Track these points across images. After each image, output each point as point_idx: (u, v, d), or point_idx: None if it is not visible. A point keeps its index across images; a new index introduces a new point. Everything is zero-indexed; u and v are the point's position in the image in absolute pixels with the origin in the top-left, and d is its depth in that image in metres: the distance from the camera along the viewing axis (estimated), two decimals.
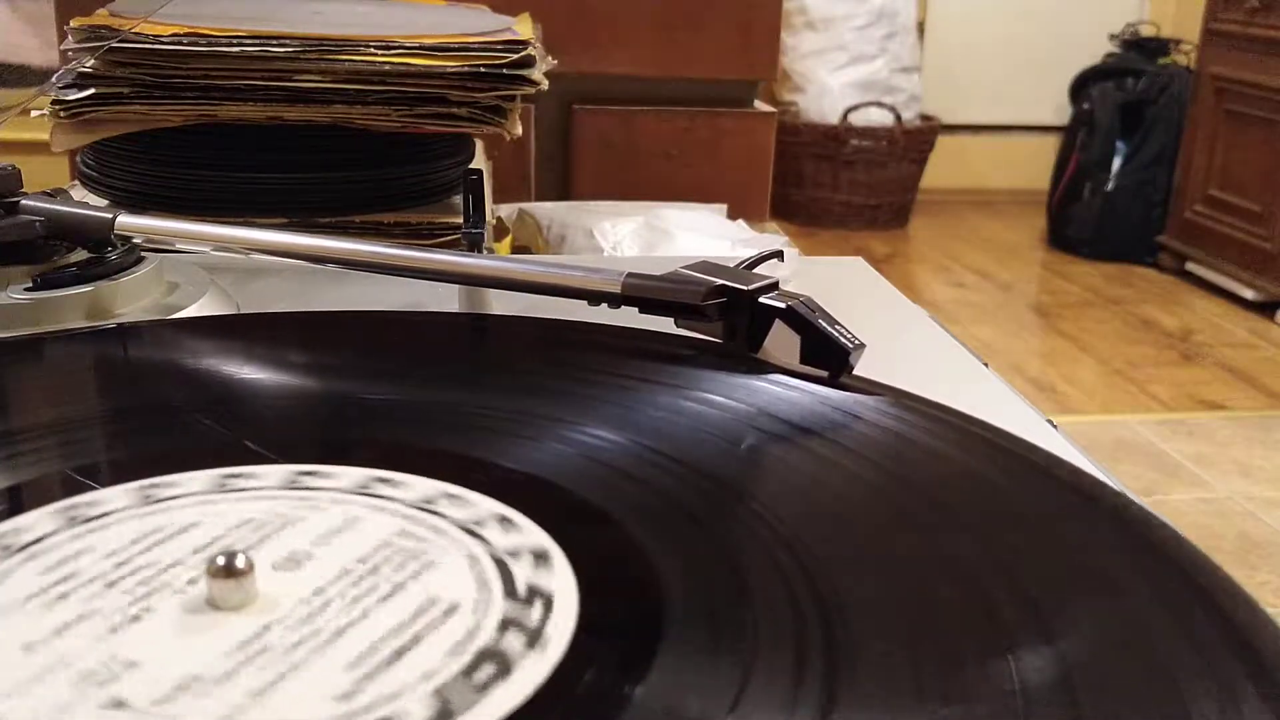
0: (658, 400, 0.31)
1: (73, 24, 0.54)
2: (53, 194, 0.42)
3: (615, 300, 0.36)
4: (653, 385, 0.32)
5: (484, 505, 0.25)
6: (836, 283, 0.55)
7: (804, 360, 0.33)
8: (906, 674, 0.20)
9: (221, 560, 0.21)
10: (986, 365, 0.44)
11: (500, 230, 0.91)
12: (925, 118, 3.17)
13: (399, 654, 0.20)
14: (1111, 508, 0.26)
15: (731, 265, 0.36)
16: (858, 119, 3.02)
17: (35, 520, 0.24)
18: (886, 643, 0.21)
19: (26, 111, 0.52)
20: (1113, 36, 3.11)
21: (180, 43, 0.53)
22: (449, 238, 0.57)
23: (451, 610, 0.21)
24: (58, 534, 0.24)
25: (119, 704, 0.19)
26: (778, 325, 0.33)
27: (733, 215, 0.97)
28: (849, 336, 0.33)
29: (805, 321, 0.33)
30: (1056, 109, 3.29)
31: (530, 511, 0.25)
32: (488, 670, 0.20)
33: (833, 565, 0.23)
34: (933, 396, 0.32)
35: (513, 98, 0.57)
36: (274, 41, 0.54)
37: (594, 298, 0.36)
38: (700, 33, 1.13)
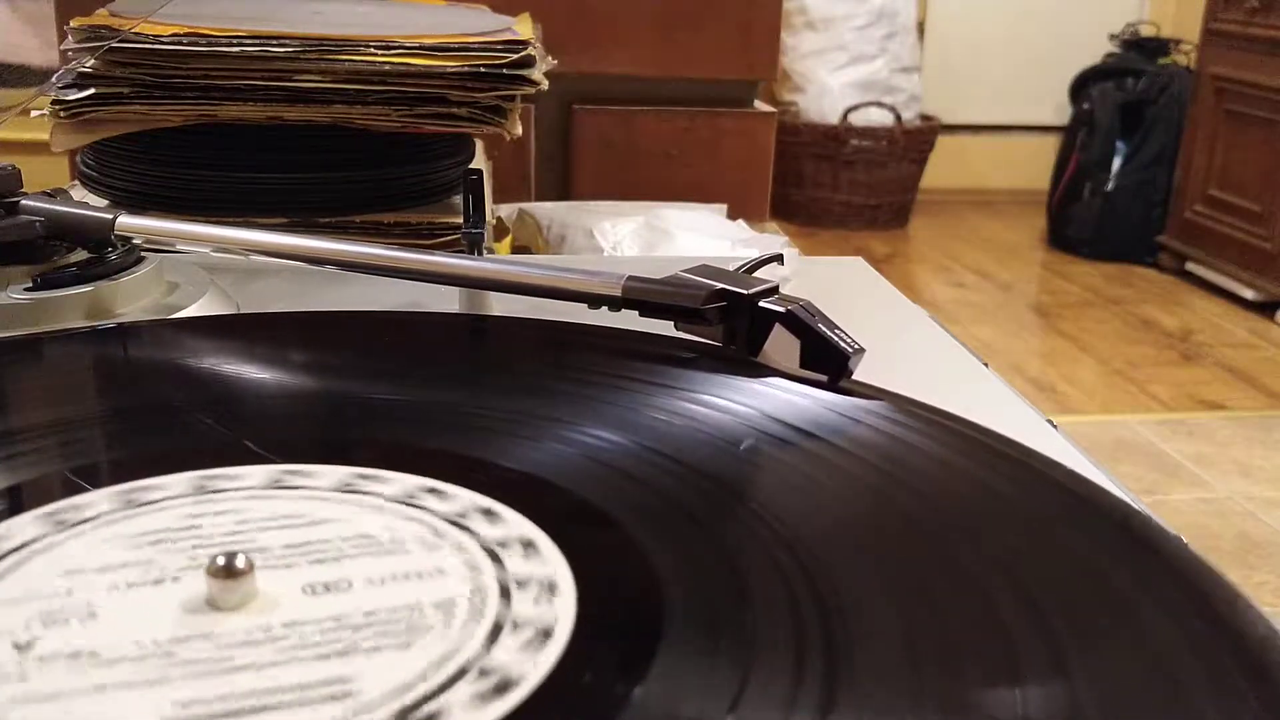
0: (658, 402, 0.31)
1: (73, 24, 0.54)
2: (53, 194, 0.42)
3: (615, 303, 0.36)
4: (653, 387, 0.32)
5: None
6: (836, 283, 0.55)
7: (803, 364, 0.33)
8: (905, 675, 0.20)
9: (221, 560, 0.21)
10: (986, 365, 0.44)
11: (500, 230, 0.91)
12: (925, 118, 3.17)
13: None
14: (1110, 511, 0.26)
15: (731, 269, 0.36)
16: (858, 119, 3.02)
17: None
18: (885, 644, 0.21)
19: (26, 111, 0.52)
20: (1113, 36, 3.11)
21: (180, 43, 0.53)
22: (449, 238, 0.57)
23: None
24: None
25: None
26: (778, 329, 0.33)
27: (733, 215, 0.97)
28: (849, 341, 0.33)
29: (805, 326, 0.33)
30: (1056, 109, 3.29)
31: (530, 511, 0.25)
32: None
33: (832, 566, 0.23)
34: (933, 397, 0.32)
35: (513, 98, 0.57)
36: (274, 41, 0.54)
37: (594, 301, 0.36)
38: (700, 33, 1.13)
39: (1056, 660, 0.21)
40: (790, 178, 3.02)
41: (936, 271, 2.79)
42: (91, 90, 0.54)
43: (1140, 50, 3.01)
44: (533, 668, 0.20)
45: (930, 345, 0.47)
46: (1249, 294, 2.52)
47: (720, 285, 0.34)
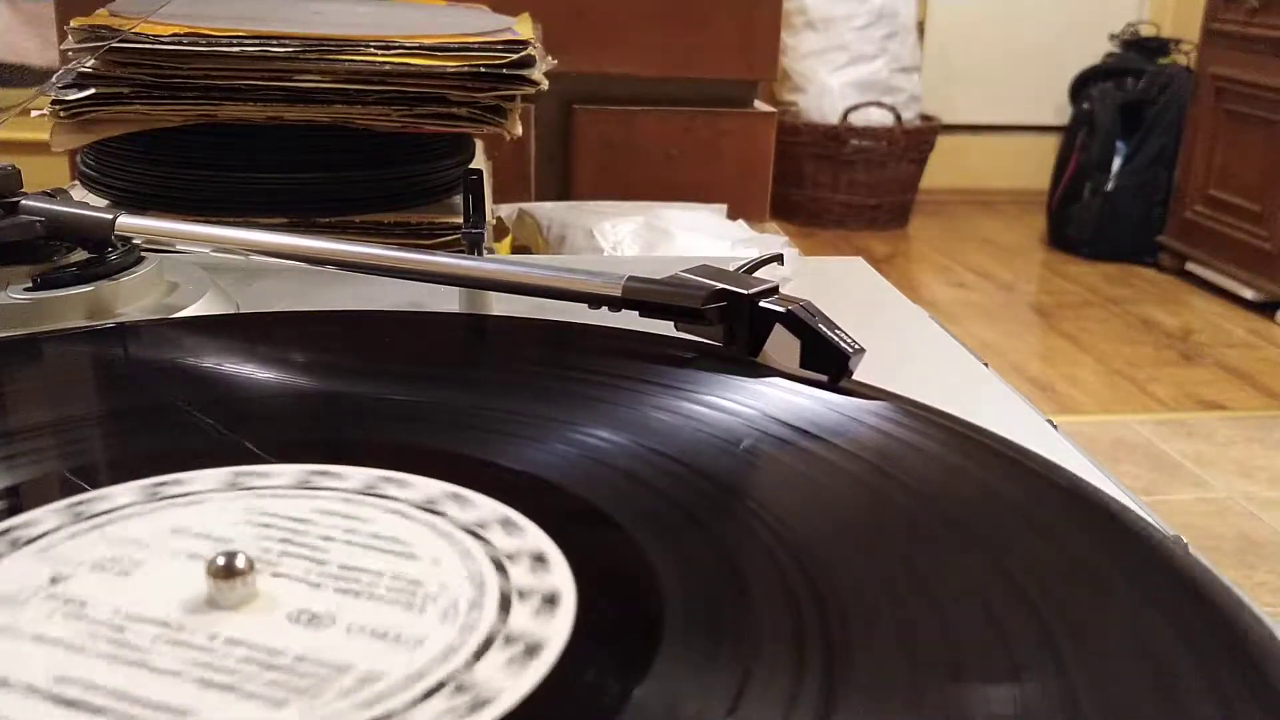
0: (658, 402, 0.31)
1: (73, 24, 0.54)
2: (53, 194, 0.42)
3: (615, 303, 0.36)
4: (654, 387, 0.32)
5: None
6: (836, 283, 0.55)
7: (804, 364, 0.33)
8: (905, 676, 0.20)
9: (221, 560, 0.21)
10: (986, 365, 0.44)
11: (500, 230, 0.91)
12: (925, 118, 3.17)
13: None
14: (1110, 512, 0.26)
15: (731, 269, 0.36)
16: (858, 119, 3.02)
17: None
18: (885, 645, 0.21)
19: (26, 111, 0.52)
20: (1113, 36, 3.11)
21: (180, 43, 0.53)
22: (449, 238, 0.57)
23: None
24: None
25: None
26: (778, 329, 0.33)
27: (733, 215, 0.97)
28: (849, 341, 0.33)
29: (805, 326, 0.33)
30: (1056, 109, 3.29)
31: (530, 512, 0.25)
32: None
33: (832, 566, 0.23)
34: (933, 397, 0.32)
35: (513, 98, 0.57)
36: (274, 41, 0.54)
37: (594, 301, 0.36)
38: (700, 33, 1.13)
39: (1055, 660, 0.21)
40: (790, 178, 3.02)
41: (936, 271, 2.79)
42: (91, 90, 0.54)
43: (1140, 50, 3.01)
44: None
45: (930, 345, 0.47)
46: (1249, 294, 2.52)
47: (720, 285, 0.34)
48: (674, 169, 1.14)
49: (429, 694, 0.19)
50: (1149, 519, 0.27)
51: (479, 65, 0.56)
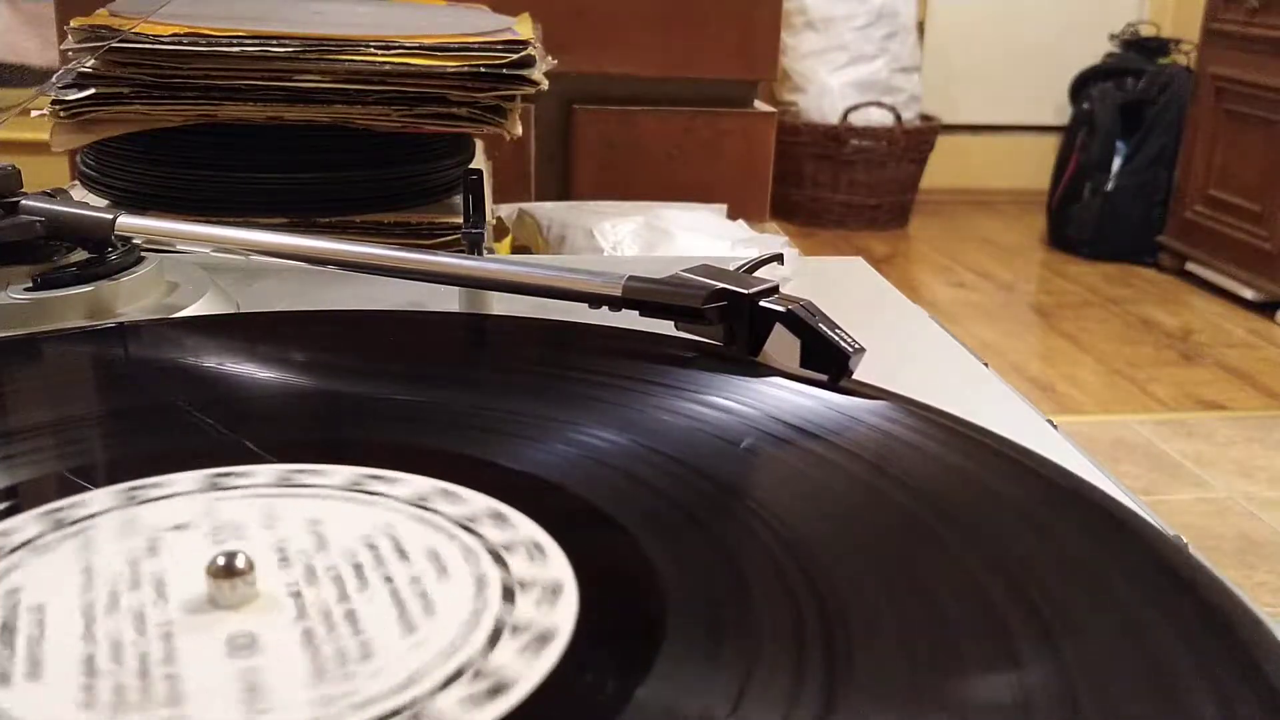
0: (659, 402, 0.31)
1: (73, 24, 0.54)
2: (53, 194, 0.42)
3: (616, 303, 0.36)
4: (654, 387, 0.32)
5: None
6: (836, 283, 0.55)
7: (804, 364, 0.33)
8: (906, 675, 0.20)
9: (221, 560, 0.21)
10: (986, 365, 0.44)
11: (500, 230, 0.91)
12: (925, 118, 3.17)
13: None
14: (1110, 513, 0.26)
15: (732, 269, 0.36)
16: (858, 119, 3.02)
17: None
18: (886, 644, 0.21)
19: (26, 111, 0.52)
20: (1113, 36, 3.11)
21: (180, 43, 0.53)
22: (449, 238, 0.57)
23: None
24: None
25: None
26: (778, 329, 0.33)
27: (733, 215, 0.97)
28: (849, 340, 0.33)
29: (805, 325, 0.33)
30: (1056, 109, 3.29)
31: (531, 511, 0.25)
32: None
33: (832, 566, 0.23)
34: (933, 397, 0.32)
35: (513, 98, 0.57)
36: (274, 41, 0.54)
37: (594, 300, 0.36)
38: (700, 33, 1.13)
39: (1055, 660, 0.21)
40: (790, 178, 3.02)
41: (936, 271, 2.79)
42: (91, 90, 0.54)
43: (1140, 50, 3.01)
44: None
45: (930, 345, 0.47)
46: (1249, 294, 2.52)
47: (720, 285, 0.34)
48: (674, 169, 1.14)
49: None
50: (1149, 519, 0.27)
51: (479, 65, 0.56)
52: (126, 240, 0.41)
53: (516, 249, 0.91)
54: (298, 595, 0.22)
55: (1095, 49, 3.11)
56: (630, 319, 0.36)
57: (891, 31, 3.03)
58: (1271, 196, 2.47)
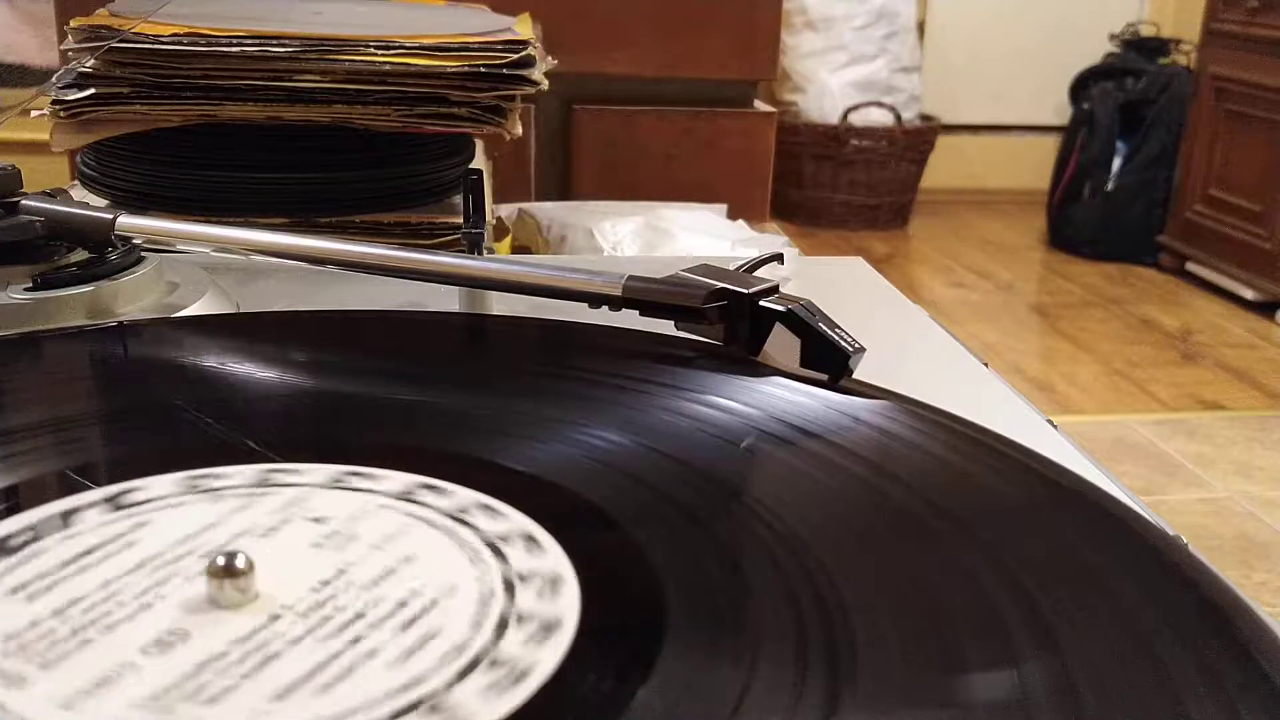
0: (659, 401, 0.31)
1: (73, 24, 0.54)
2: (53, 194, 0.42)
3: (615, 303, 0.36)
4: (654, 387, 0.32)
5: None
6: (836, 283, 0.55)
7: (804, 363, 0.33)
8: (907, 674, 0.20)
9: (221, 560, 0.21)
10: (986, 365, 0.44)
11: (500, 230, 0.91)
12: (925, 118, 3.17)
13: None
14: (1111, 512, 0.26)
15: (732, 268, 0.36)
16: (858, 119, 3.02)
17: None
18: (887, 643, 0.21)
19: (26, 111, 0.52)
20: (1113, 36, 3.11)
21: (180, 43, 0.53)
22: (449, 238, 0.57)
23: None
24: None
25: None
26: (778, 328, 0.33)
27: (733, 215, 0.97)
28: (849, 340, 0.33)
29: (806, 325, 0.33)
30: (1056, 109, 3.29)
31: (532, 511, 0.25)
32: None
33: (832, 565, 0.23)
34: (933, 397, 0.32)
35: (513, 98, 0.57)
36: (274, 41, 0.54)
37: (594, 300, 0.36)
38: (700, 33, 1.13)
39: (1056, 659, 0.21)
40: (790, 178, 3.02)
41: (936, 271, 2.79)
42: (91, 90, 0.54)
43: (1140, 50, 3.01)
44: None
45: (930, 345, 0.47)
46: (1249, 294, 2.52)
47: (720, 284, 0.34)
48: (674, 169, 1.14)
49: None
50: (1149, 519, 0.27)
51: (479, 65, 0.56)
52: (126, 240, 0.41)
53: (516, 249, 0.91)
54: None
55: (1095, 49, 3.11)
56: (630, 319, 0.36)
57: (891, 31, 3.03)
58: (1271, 196, 2.47)
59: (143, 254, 0.42)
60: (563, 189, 1.14)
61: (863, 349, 0.33)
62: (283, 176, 0.56)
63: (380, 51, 0.55)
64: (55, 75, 0.52)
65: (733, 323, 0.34)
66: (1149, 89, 2.86)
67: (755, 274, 0.36)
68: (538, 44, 0.59)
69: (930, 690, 0.20)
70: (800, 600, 0.22)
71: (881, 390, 0.32)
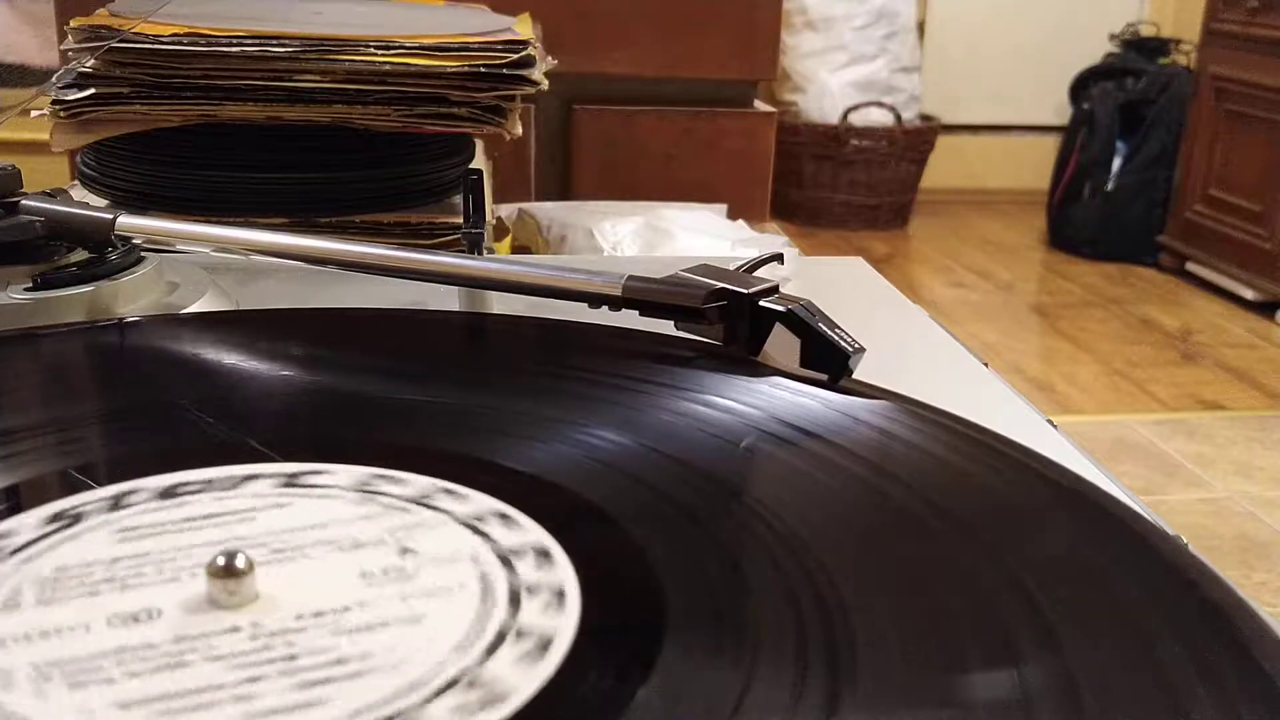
0: (659, 401, 0.31)
1: (73, 24, 0.54)
2: (53, 194, 0.42)
3: (615, 303, 0.36)
4: (654, 386, 0.32)
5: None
6: (836, 283, 0.55)
7: (804, 363, 0.33)
8: (907, 674, 0.20)
9: (221, 560, 0.21)
10: (986, 365, 0.44)
11: (500, 230, 0.91)
12: (925, 118, 3.17)
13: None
14: (1111, 512, 0.26)
15: (732, 268, 0.36)
16: (858, 119, 3.02)
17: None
18: (887, 643, 0.21)
19: (26, 111, 0.52)
20: (1113, 36, 3.11)
21: (180, 43, 0.53)
22: (449, 238, 0.57)
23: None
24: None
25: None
26: (778, 329, 0.33)
27: (733, 215, 0.97)
28: (849, 340, 0.33)
29: (805, 325, 0.33)
30: (1056, 109, 3.29)
31: (533, 511, 0.25)
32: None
33: (833, 565, 0.23)
34: (933, 397, 0.32)
35: (513, 98, 0.57)
36: (274, 41, 0.54)
37: (594, 300, 0.36)
38: (700, 33, 1.13)
39: (1056, 659, 0.21)
40: (790, 178, 3.02)
41: (936, 271, 2.79)
42: (91, 90, 0.54)
43: (1140, 50, 3.01)
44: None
45: (930, 345, 0.47)
46: (1249, 294, 2.52)
47: (720, 284, 0.34)
48: (674, 169, 1.14)
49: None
50: (1149, 519, 0.27)
51: (479, 65, 0.56)
52: (126, 240, 0.41)
53: (516, 249, 0.91)
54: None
55: (1095, 49, 3.11)
56: (630, 319, 0.36)
57: (891, 31, 3.03)
58: (1271, 196, 2.47)
59: (143, 254, 0.42)
60: (563, 189, 1.14)
61: (862, 349, 0.33)
62: (283, 176, 0.56)
63: (380, 51, 0.55)
64: (55, 75, 0.52)
65: (732, 323, 0.34)
66: (1149, 89, 2.86)
67: (755, 274, 0.36)
68: (538, 44, 0.59)
69: (930, 690, 0.20)
70: (800, 600, 0.22)
71: (881, 390, 0.32)
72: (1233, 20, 2.59)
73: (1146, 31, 3.10)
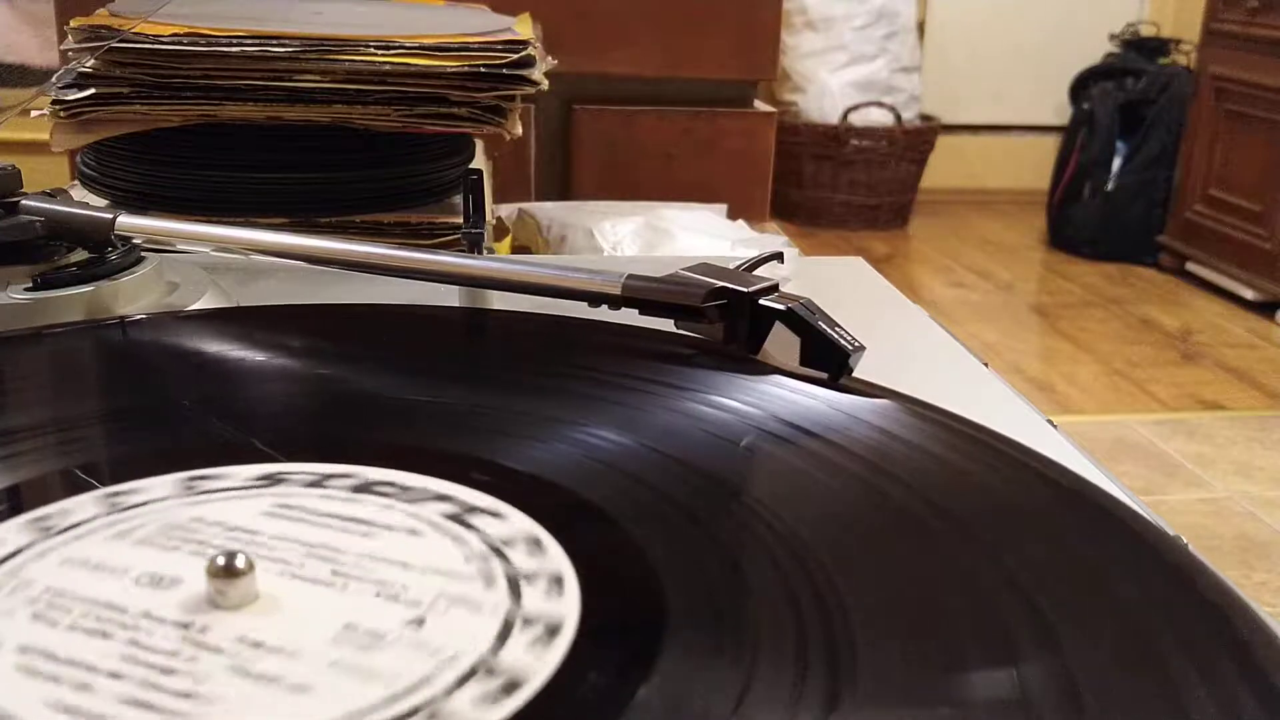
0: (658, 400, 0.31)
1: (73, 24, 0.54)
2: (53, 194, 0.42)
3: (615, 302, 0.36)
4: (653, 385, 0.32)
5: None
6: (836, 283, 0.55)
7: (804, 362, 0.33)
8: (907, 674, 0.20)
9: (221, 560, 0.21)
10: (986, 365, 0.44)
11: (500, 230, 0.91)
12: (925, 118, 3.17)
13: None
14: (1111, 512, 0.26)
15: (731, 267, 0.36)
16: (858, 119, 3.02)
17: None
18: (887, 642, 0.21)
19: (26, 111, 0.52)
20: (1113, 36, 3.11)
21: (180, 43, 0.53)
22: (449, 238, 0.57)
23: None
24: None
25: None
26: (778, 327, 0.33)
27: (733, 215, 0.97)
28: (849, 338, 0.33)
29: (805, 323, 0.33)
30: (1056, 109, 3.29)
31: (532, 511, 0.25)
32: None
33: (833, 564, 0.23)
34: (933, 397, 0.32)
35: (513, 98, 0.57)
36: (274, 41, 0.54)
37: (594, 299, 0.36)
38: (700, 33, 1.13)
39: (1056, 659, 0.21)
40: (790, 178, 3.02)
41: (936, 271, 2.79)
42: (91, 90, 0.54)
43: (1140, 50, 3.01)
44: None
45: (930, 345, 0.47)
46: (1249, 294, 2.52)
47: (720, 283, 0.34)
48: (674, 169, 1.14)
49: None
50: (1149, 519, 0.27)
51: (479, 65, 0.56)
52: (126, 240, 0.41)
53: (516, 249, 0.91)
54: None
55: (1095, 49, 3.11)
56: (630, 318, 0.36)
57: (891, 31, 3.03)
58: (1271, 196, 2.47)
59: (143, 254, 0.42)
60: (563, 189, 1.14)
61: (862, 347, 0.33)
62: (283, 176, 0.56)
63: (380, 51, 0.55)
64: (55, 75, 0.52)
65: (732, 321, 0.34)
66: (1149, 89, 2.86)
67: (755, 273, 0.36)
68: (538, 44, 0.59)
69: (930, 690, 0.20)
70: (800, 600, 0.22)
71: (881, 388, 0.32)
72: (1233, 20, 2.59)
73: (1146, 31, 3.10)
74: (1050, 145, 3.21)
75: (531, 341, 0.38)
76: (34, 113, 0.55)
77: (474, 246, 0.44)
